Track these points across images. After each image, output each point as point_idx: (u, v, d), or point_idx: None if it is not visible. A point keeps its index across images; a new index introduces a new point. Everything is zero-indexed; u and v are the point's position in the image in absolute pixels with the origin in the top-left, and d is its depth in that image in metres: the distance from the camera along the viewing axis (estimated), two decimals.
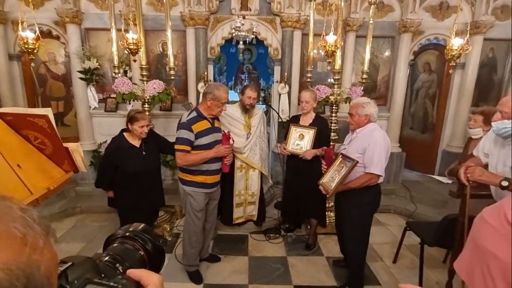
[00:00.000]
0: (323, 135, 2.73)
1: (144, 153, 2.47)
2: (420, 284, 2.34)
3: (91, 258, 0.48)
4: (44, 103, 4.16)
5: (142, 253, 0.54)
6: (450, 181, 2.57)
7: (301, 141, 2.72)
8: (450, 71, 2.94)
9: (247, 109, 2.71)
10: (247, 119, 2.78)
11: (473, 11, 3.88)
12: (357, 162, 1.93)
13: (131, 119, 2.38)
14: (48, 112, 1.08)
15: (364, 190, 2.03)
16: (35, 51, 2.70)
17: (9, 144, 1.07)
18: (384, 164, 1.99)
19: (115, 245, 0.53)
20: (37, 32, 2.68)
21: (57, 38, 3.91)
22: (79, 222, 3.38)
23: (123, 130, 2.51)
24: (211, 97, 2.15)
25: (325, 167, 2.24)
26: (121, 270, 0.49)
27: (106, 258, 0.50)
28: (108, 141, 4.04)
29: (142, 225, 0.58)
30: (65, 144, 1.19)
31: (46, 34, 3.74)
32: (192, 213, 2.31)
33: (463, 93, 4.14)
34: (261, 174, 3.02)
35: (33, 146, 1.14)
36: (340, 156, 2.13)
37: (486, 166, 1.75)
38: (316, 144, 2.66)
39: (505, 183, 1.42)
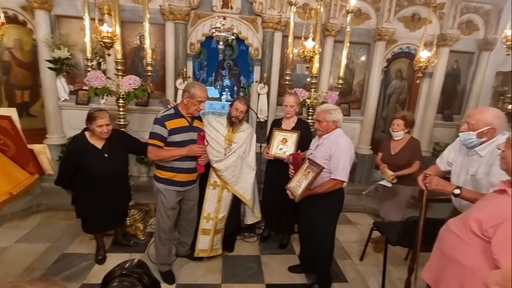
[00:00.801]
0: (305, 139, 2.70)
1: (106, 155, 2.30)
2: (383, 280, 2.50)
3: None
4: (8, 92, 3.89)
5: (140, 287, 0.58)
6: (390, 185, 2.70)
7: (284, 145, 2.69)
8: (417, 81, 3.14)
9: (232, 122, 2.52)
10: (230, 133, 2.57)
11: (441, 24, 4.14)
12: (323, 168, 2.00)
13: (89, 117, 2.22)
14: (12, 112, 1.03)
15: (329, 195, 2.12)
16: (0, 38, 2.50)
17: None
18: (348, 170, 2.10)
19: (114, 284, 0.57)
20: (2, 17, 2.48)
21: (24, 24, 3.65)
22: (45, 220, 3.22)
23: (85, 129, 2.33)
24: (187, 95, 2.18)
25: (293, 171, 2.29)
26: None
27: None
28: None
29: (136, 260, 0.62)
30: (30, 146, 1.14)
31: (11, 19, 3.48)
32: (163, 210, 2.31)
33: (430, 100, 4.43)
34: (237, 197, 2.69)
35: None
36: (308, 161, 2.19)
37: (443, 175, 1.91)
38: (299, 148, 2.61)
39: (457, 191, 1.56)
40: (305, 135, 2.73)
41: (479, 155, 1.66)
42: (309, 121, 3.29)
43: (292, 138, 2.67)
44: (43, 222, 3.18)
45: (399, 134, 2.77)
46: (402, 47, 4.31)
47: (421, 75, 3.00)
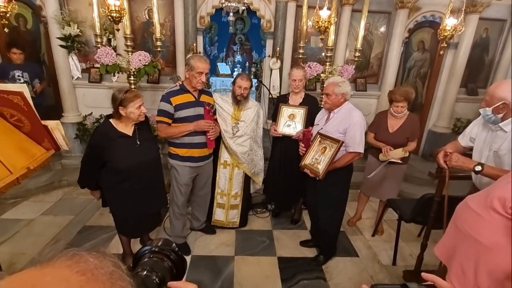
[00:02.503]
0: (314, 114, 2.59)
1: (138, 143, 1.98)
2: (395, 255, 2.51)
3: (136, 276, 0.58)
4: None
5: (168, 263, 0.64)
6: (401, 161, 2.59)
7: (292, 122, 2.61)
8: (441, 52, 2.91)
9: (238, 101, 2.44)
10: (236, 111, 2.49)
11: None
12: (343, 142, 2.00)
13: (122, 102, 1.84)
14: (23, 88, 1.03)
15: (343, 167, 2.13)
16: (8, 14, 2.49)
17: None
18: (364, 141, 2.12)
19: (145, 260, 0.64)
20: None
21: (27, 2, 3.61)
22: (67, 195, 3.39)
23: (108, 117, 2.00)
24: (187, 68, 2.16)
25: (304, 149, 2.26)
26: (157, 280, 0.59)
27: (144, 273, 0.60)
28: (94, 113, 3.99)
29: (163, 239, 0.69)
30: (44, 122, 1.15)
31: None
32: (176, 186, 2.37)
33: (453, 73, 4.15)
34: (247, 176, 2.72)
35: (10, 124, 1.09)
36: (319, 136, 2.15)
37: (463, 152, 1.83)
38: (308, 124, 2.56)
39: (478, 168, 1.49)
40: (314, 110, 2.63)
41: (504, 131, 1.59)
42: (323, 96, 3.17)
43: (300, 113, 2.58)
44: (65, 197, 3.35)
45: (404, 113, 2.58)
46: (426, 15, 4.00)
47: (446, 45, 2.77)
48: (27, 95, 1.06)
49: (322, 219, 2.34)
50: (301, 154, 2.30)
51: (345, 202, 2.35)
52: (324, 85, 2.22)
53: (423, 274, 0.56)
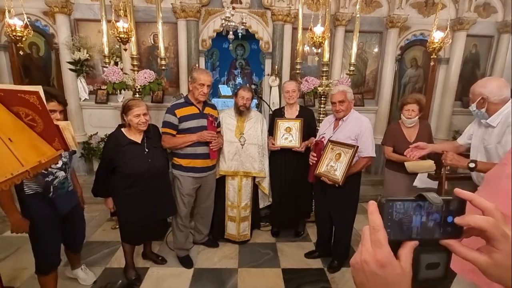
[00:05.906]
0: (310, 126, 2.71)
1: (146, 150, 2.06)
2: None
3: None
4: None
5: None
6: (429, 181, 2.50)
7: (289, 134, 2.63)
8: (432, 63, 3.06)
9: (241, 111, 2.56)
10: (239, 123, 2.60)
11: (457, 8, 4.02)
12: (358, 147, 2.06)
13: (124, 109, 2.00)
14: (39, 89, 1.11)
15: (355, 174, 2.17)
16: (24, 39, 2.67)
17: (0, 119, 1.09)
18: (374, 144, 2.21)
19: None
20: (25, 20, 2.66)
21: (41, 30, 3.87)
22: None
23: (120, 126, 2.11)
24: (191, 81, 2.29)
25: (315, 158, 2.30)
26: None
27: None
28: (100, 133, 4.10)
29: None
30: (55, 122, 1.22)
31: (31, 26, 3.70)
32: (179, 196, 2.38)
33: (447, 87, 4.29)
34: (255, 185, 2.76)
35: (24, 123, 1.16)
36: (330, 143, 2.20)
37: (457, 151, 1.90)
38: (305, 135, 2.61)
39: (472, 165, 1.54)
40: (310, 121, 2.71)
41: (492, 126, 1.69)
42: (321, 109, 3.27)
43: (296, 125, 2.63)
44: None
45: (414, 120, 2.52)
46: (416, 34, 4.22)
47: (435, 56, 2.91)
48: (42, 95, 1.14)
49: (338, 225, 2.36)
50: (311, 164, 2.34)
51: (357, 205, 2.37)
52: (331, 94, 2.30)
53: (456, 190, 0.43)
